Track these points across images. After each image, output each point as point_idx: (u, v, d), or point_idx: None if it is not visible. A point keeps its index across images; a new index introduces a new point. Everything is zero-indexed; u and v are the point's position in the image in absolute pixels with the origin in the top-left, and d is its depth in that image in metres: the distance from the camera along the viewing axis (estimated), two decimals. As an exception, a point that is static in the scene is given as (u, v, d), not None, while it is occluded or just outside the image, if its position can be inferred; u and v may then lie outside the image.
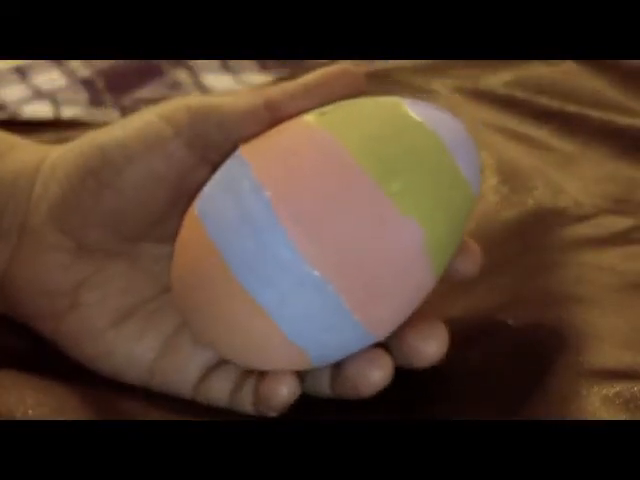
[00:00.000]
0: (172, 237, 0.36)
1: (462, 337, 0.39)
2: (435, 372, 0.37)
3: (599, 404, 0.34)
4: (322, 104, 0.35)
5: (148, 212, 0.36)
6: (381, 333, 0.34)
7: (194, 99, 0.36)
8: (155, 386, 0.37)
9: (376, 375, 0.35)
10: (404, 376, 0.36)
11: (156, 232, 0.37)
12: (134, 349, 0.37)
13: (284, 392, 0.34)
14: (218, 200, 0.34)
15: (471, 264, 0.37)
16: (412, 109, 0.35)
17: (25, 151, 0.39)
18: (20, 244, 0.37)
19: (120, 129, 0.36)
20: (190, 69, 0.63)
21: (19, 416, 0.34)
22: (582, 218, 0.46)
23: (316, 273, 0.32)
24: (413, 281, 0.34)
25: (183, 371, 0.37)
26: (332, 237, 0.33)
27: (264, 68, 0.64)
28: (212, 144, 0.35)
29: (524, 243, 0.45)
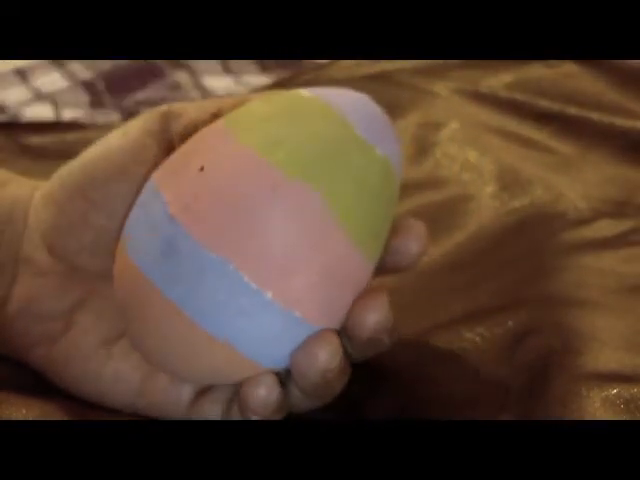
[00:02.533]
0: None
1: (461, 340, 0.39)
2: (434, 373, 0.38)
3: (599, 405, 0.34)
4: None
5: None
6: (308, 312, 0.33)
7: (165, 106, 0.37)
8: (142, 409, 0.36)
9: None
10: (402, 375, 0.36)
11: None
12: (122, 368, 0.36)
13: (262, 393, 0.33)
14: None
15: (414, 242, 0.35)
16: (304, 91, 0.35)
17: (18, 185, 0.39)
18: (15, 274, 0.37)
19: (103, 146, 0.36)
20: (190, 71, 0.63)
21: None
22: (582, 221, 0.46)
23: (213, 255, 0.32)
24: (327, 249, 0.33)
25: (172, 392, 0.36)
26: (224, 216, 0.32)
27: (264, 70, 0.64)
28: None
29: (524, 246, 0.45)
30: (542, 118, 0.54)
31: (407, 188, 0.50)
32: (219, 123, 0.34)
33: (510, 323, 0.39)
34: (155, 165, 0.35)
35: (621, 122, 0.53)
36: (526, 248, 0.45)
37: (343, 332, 0.34)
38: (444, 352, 0.39)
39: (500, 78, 0.57)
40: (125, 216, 0.35)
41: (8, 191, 0.38)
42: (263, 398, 0.33)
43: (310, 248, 0.32)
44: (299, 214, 0.32)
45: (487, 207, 0.48)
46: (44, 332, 0.37)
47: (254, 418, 0.34)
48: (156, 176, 0.34)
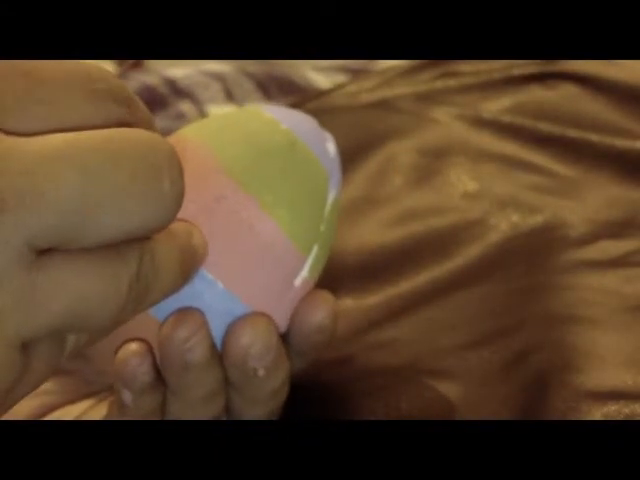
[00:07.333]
0: None
1: (462, 359, 0.40)
2: (433, 391, 0.38)
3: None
4: None
5: None
6: (240, 288, 0.34)
7: None
8: None
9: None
10: (401, 401, 0.36)
11: None
12: None
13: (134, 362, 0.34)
14: None
15: (322, 313, 0.35)
16: (266, 110, 0.37)
17: None
18: None
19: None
20: (194, 100, 0.64)
21: None
22: (584, 242, 0.46)
23: None
24: (258, 237, 0.34)
25: None
26: None
27: (268, 98, 0.64)
28: None
29: (526, 267, 0.45)
30: (542, 141, 0.54)
31: (408, 214, 0.50)
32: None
33: (511, 341, 0.40)
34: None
35: (621, 143, 0.53)
36: (528, 268, 0.45)
37: (285, 335, 0.35)
38: (445, 371, 0.39)
39: (500, 102, 0.57)
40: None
41: None
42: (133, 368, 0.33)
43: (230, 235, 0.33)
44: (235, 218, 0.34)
45: (489, 232, 0.48)
46: None
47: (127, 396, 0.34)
48: None
